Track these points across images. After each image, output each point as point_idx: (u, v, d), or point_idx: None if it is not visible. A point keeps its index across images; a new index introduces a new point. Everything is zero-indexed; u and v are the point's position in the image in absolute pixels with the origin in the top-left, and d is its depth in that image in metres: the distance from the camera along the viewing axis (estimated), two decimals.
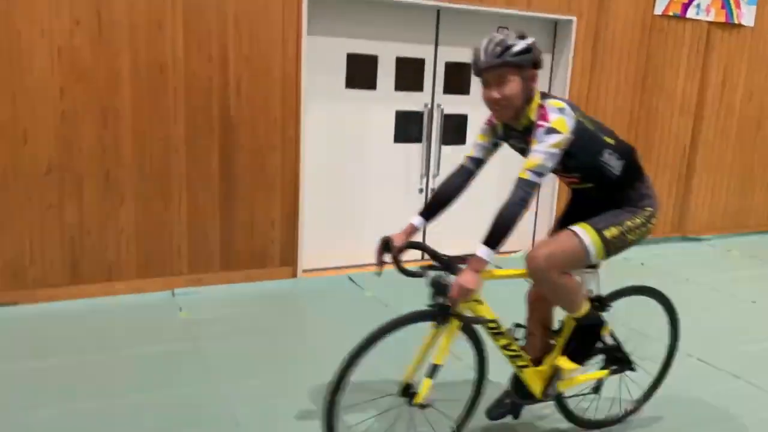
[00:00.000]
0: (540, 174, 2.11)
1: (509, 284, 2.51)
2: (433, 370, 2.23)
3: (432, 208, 2.45)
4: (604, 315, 2.56)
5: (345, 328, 3.81)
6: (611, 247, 2.30)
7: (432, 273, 2.16)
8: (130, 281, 4.23)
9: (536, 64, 2.20)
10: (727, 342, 3.95)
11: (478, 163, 2.46)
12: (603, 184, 2.34)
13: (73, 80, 3.88)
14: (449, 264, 2.22)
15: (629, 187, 2.36)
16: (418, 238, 2.58)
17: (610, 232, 2.29)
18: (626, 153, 2.34)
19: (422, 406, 2.25)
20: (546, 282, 2.28)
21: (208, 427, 2.67)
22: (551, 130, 2.12)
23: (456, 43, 5.28)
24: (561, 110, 2.15)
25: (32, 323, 3.71)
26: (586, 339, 2.50)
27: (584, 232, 2.28)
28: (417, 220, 2.43)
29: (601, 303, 2.56)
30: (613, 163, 2.30)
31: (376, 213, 5.30)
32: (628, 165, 2.34)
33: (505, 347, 2.42)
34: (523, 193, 2.08)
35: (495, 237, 2.06)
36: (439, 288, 2.12)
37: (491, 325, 2.34)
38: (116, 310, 3.96)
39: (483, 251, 2.06)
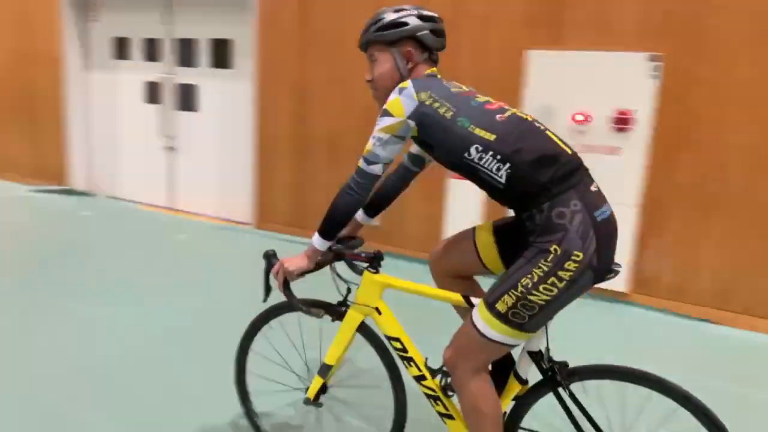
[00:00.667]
0: (371, 162, 1.81)
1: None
2: (324, 369, 2.13)
3: (374, 206, 2.26)
4: (561, 393, 1.95)
5: None
6: (518, 321, 1.68)
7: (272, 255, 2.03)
8: None
9: (417, 39, 1.91)
10: None
11: (416, 160, 2.19)
12: (494, 193, 1.78)
13: None
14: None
15: (534, 208, 1.68)
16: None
17: (504, 304, 1.68)
18: (517, 155, 1.68)
19: (311, 403, 2.17)
20: (460, 387, 1.82)
21: None
22: (384, 112, 1.80)
23: None
24: (402, 90, 1.79)
25: (732, 347, 3.77)
26: None
27: (478, 314, 1.75)
28: (360, 216, 2.27)
29: (557, 373, 1.82)
30: (490, 165, 1.72)
31: None
32: (520, 173, 1.68)
33: (418, 380, 2.01)
34: (352, 181, 1.83)
35: (324, 224, 1.88)
36: (268, 262, 2.01)
37: (395, 344, 2.02)
38: None
39: (315, 236, 1.91)
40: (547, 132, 1.76)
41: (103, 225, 5.96)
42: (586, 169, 1.74)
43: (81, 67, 7.17)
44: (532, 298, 1.65)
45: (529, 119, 1.78)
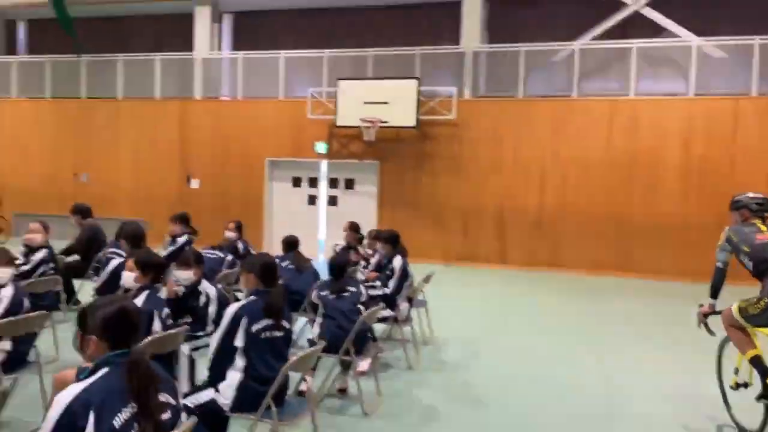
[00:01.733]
0: (717, 261, 4.25)
1: None
2: (735, 370, 4.34)
3: (717, 294, 4.30)
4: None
5: None
6: (742, 312, 4.08)
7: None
8: None
9: (748, 207, 4.29)
10: None
11: None
12: (751, 272, 4.10)
13: None
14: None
15: (760, 280, 4.01)
16: None
17: (744, 303, 4.07)
18: (755, 258, 4.04)
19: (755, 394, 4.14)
20: (725, 331, 4.25)
21: None
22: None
23: None
24: (726, 230, 4.28)
25: None
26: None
27: (735, 303, 4.15)
28: (713, 302, 4.34)
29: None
30: (746, 262, 4.11)
31: None
32: (755, 266, 4.04)
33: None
34: (714, 269, 4.26)
35: (710, 289, 4.29)
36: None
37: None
38: None
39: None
40: None
41: None
42: None
43: None
44: (749, 308, 4.02)
45: None
